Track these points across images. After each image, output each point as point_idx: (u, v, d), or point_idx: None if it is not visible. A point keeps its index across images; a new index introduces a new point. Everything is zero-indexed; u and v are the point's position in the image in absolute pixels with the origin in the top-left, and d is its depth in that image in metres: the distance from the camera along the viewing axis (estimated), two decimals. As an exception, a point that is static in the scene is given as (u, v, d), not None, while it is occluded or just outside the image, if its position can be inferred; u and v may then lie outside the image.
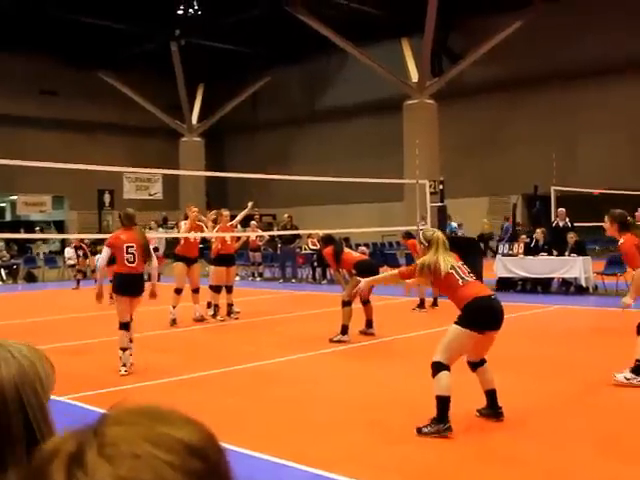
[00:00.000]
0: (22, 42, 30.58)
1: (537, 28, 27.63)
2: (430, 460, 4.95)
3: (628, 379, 6.69)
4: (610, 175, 26.03)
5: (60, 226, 35.56)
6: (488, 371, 5.74)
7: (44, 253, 29.22)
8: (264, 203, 32.99)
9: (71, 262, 20.66)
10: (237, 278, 20.66)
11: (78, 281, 19.18)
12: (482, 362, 5.73)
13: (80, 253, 19.98)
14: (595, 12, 27.32)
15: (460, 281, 5.62)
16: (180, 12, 29.64)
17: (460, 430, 5.38)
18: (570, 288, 15.04)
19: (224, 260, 12.21)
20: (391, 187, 25.03)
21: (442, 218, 16.27)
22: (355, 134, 34.37)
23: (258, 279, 20.70)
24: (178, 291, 11.57)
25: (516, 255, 15.40)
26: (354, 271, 9.88)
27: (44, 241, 33.01)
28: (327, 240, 10.56)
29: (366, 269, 9.94)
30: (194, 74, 34.80)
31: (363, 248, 22.54)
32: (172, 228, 31.18)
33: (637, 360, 6.71)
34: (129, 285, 7.86)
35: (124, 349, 7.81)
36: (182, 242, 11.89)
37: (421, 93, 27.94)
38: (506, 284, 15.32)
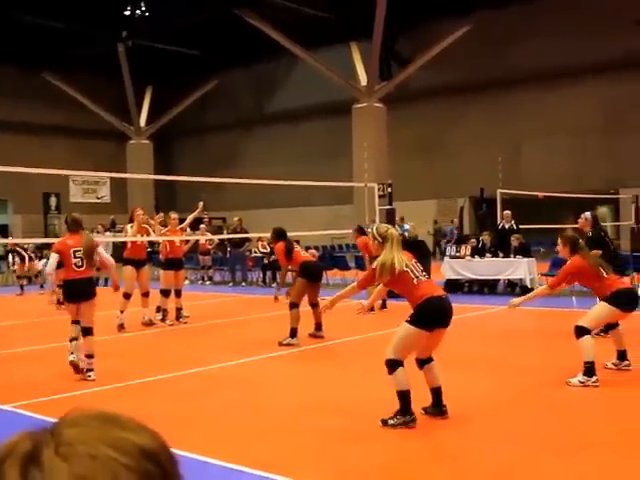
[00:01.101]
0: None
1: (483, 34, 28.13)
2: (379, 460, 5.01)
3: (582, 382, 6.87)
4: (552, 178, 26.63)
5: (4, 230, 34.80)
6: (435, 369, 5.85)
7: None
8: (214, 206, 32.84)
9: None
10: (186, 282, 20.57)
11: (22, 286, 18.82)
12: (429, 360, 5.85)
13: (17, 259, 19.55)
14: (536, 20, 27.96)
15: (415, 280, 5.71)
16: (127, 13, 29.30)
17: (408, 428, 5.46)
18: (516, 289, 15.34)
19: (172, 264, 12.16)
20: (341, 190, 25.20)
21: (391, 221, 16.39)
22: (305, 137, 34.48)
23: (208, 283, 20.61)
24: (127, 296, 11.37)
25: (463, 257, 15.64)
26: (298, 272, 9.94)
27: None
28: (279, 235, 10.28)
29: (311, 272, 10.01)
30: (142, 76, 34.42)
31: (313, 251, 22.62)
32: (120, 232, 30.82)
33: (585, 362, 6.92)
34: (77, 291, 7.77)
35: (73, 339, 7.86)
36: (129, 245, 11.76)
37: (370, 97, 28.14)
38: (453, 286, 15.55)
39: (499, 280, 15.63)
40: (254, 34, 28.58)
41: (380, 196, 16.26)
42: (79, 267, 7.73)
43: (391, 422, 5.52)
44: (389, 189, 16.29)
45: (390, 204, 16.64)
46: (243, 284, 19.67)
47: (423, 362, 5.83)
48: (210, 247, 20.88)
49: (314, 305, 10.09)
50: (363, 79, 28.90)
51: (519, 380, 7.30)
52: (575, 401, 6.47)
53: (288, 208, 31.49)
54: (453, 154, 30.56)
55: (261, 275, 19.93)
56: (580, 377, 6.90)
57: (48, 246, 19.16)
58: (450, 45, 27.94)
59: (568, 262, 7.38)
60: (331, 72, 28.88)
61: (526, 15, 28.16)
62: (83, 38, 30.34)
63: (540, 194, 20.40)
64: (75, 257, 7.74)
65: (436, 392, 5.84)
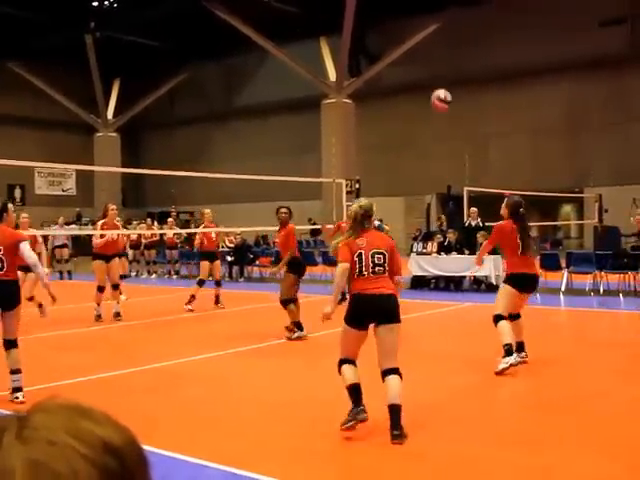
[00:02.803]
0: None
1: (452, 31, 28.34)
2: (334, 454, 5.08)
3: (508, 362, 7.18)
4: (517, 176, 26.94)
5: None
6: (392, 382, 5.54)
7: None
8: (183, 200, 32.74)
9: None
10: (152, 276, 20.48)
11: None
12: (389, 371, 5.55)
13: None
14: (505, 19, 28.23)
15: (356, 274, 5.39)
16: (95, 4, 29.00)
17: (362, 426, 5.48)
18: (481, 286, 15.53)
19: (208, 255, 12.99)
20: (310, 185, 25.21)
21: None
22: (274, 132, 34.44)
23: (175, 277, 20.52)
24: (100, 289, 11.65)
25: (430, 254, 15.78)
26: (288, 267, 9.67)
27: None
28: (290, 216, 9.99)
29: (300, 266, 9.87)
30: (110, 68, 34.11)
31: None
32: (86, 225, 30.54)
33: (504, 345, 7.28)
34: None
35: None
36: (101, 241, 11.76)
37: (339, 92, 28.22)
38: (420, 282, 15.70)
39: (465, 277, 15.80)
40: (224, 28, 28.48)
41: (348, 192, 16.36)
42: None
43: (346, 424, 5.30)
44: (357, 185, 16.39)
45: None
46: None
47: (384, 373, 5.31)
48: (177, 241, 20.82)
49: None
50: (332, 75, 28.98)
51: (470, 374, 7.40)
52: (532, 392, 6.61)
53: (257, 203, 31.42)
54: (421, 151, 30.76)
55: (227, 270, 19.87)
56: (505, 359, 7.20)
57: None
58: (420, 42, 28.11)
59: (501, 222, 7.77)
60: (300, 67, 28.90)
61: (494, 14, 28.40)
62: (50, 28, 29.96)
63: (506, 192, 20.60)
64: None
65: (392, 410, 5.22)
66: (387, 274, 5.44)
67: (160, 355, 8.63)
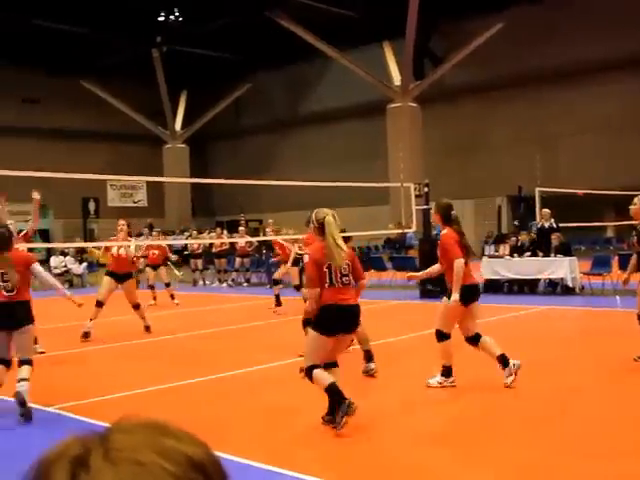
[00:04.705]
0: (3, 51, 30.40)
1: (518, 30, 27.81)
2: (419, 465, 4.93)
3: (440, 382, 6.84)
4: (592, 175, 26.19)
5: (45, 235, 35.32)
6: (337, 374, 5.75)
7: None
8: (251, 209, 33.00)
9: (57, 271, 20.52)
10: (223, 285, 20.63)
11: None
12: (334, 364, 5.83)
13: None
14: (568, 16, 27.54)
15: (327, 284, 5.60)
16: (161, 19, 29.57)
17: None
18: (557, 288, 15.09)
19: (298, 262, 12.11)
20: (377, 190, 25.07)
21: (427, 220, 16.24)
22: (339, 138, 34.41)
23: (245, 285, 20.62)
24: (99, 304, 10.89)
25: (502, 257, 15.43)
26: None
27: (31, 250, 32.74)
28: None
29: None
30: (177, 81, 34.75)
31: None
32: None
33: (443, 366, 6.88)
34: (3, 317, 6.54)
35: None
36: (112, 260, 11.39)
37: (404, 96, 28.02)
38: (493, 286, 15.35)
39: (540, 280, 15.37)
40: (286, 36, 28.64)
41: (417, 196, 16.12)
42: (9, 291, 6.56)
43: (338, 421, 5.37)
44: (426, 189, 16.13)
45: (427, 204, 16.46)
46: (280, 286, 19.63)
47: (328, 365, 5.71)
48: (249, 249, 20.90)
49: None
50: (397, 79, 28.80)
51: (556, 382, 7.13)
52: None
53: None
54: (490, 152, 30.24)
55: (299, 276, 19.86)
56: (438, 378, 6.87)
57: (87, 250, 19.42)
58: (484, 42, 27.67)
59: (444, 232, 6.89)
60: (364, 72, 28.83)
61: (558, 11, 27.73)
62: (118, 45, 30.75)
63: (580, 192, 20.06)
64: (3, 280, 6.59)
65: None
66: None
67: (235, 363, 8.61)
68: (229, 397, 7.05)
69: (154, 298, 15.83)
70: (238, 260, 20.64)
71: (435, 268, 7.18)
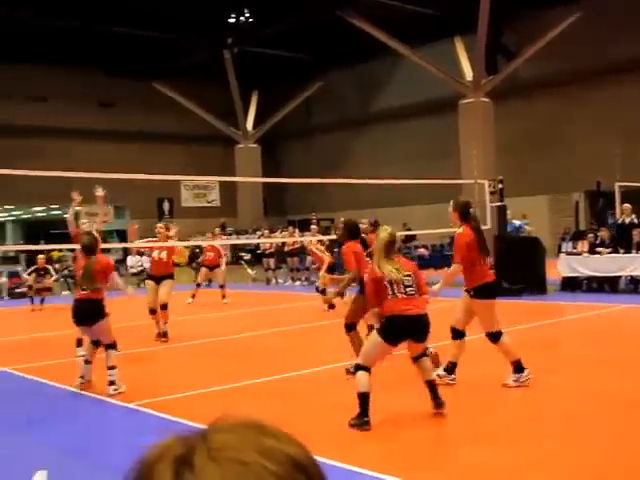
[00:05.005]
0: (79, 57, 31.29)
1: (593, 21, 26.98)
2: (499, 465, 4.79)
3: (440, 376, 6.81)
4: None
5: (122, 235, 36.22)
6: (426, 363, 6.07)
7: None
8: (322, 208, 33.05)
9: (133, 270, 21.00)
10: (297, 283, 20.70)
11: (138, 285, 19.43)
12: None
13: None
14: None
15: (390, 295, 5.81)
16: (232, 20, 29.90)
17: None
18: (639, 286, 14.58)
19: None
20: (449, 187, 24.69)
21: (502, 218, 15.94)
22: (410, 135, 34.11)
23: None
24: (151, 311, 11.14)
25: (580, 254, 15.00)
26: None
27: (107, 250, 33.64)
28: (352, 231, 8.34)
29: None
30: (248, 81, 35.10)
31: (422, 250, 22.37)
32: (230, 235, 31.51)
33: (449, 362, 6.94)
34: (79, 314, 7.59)
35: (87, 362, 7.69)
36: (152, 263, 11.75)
37: (476, 92, 27.57)
38: (571, 284, 14.93)
39: (620, 277, 14.86)
40: (356, 34, 28.54)
41: (491, 193, 15.83)
42: (83, 289, 7.59)
43: (352, 423, 5.67)
44: (500, 185, 15.83)
45: (501, 201, 16.16)
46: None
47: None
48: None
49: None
50: (469, 74, 28.36)
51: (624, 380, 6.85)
52: None
53: (396, 207, 31.23)
54: (565, 147, 29.44)
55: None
56: (440, 371, 6.91)
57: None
58: (558, 34, 26.96)
59: (460, 231, 6.81)
60: (436, 68, 28.50)
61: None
62: (190, 47, 31.23)
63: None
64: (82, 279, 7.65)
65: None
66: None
67: (303, 362, 8.60)
68: (298, 396, 7.04)
69: (193, 296, 16.12)
70: (309, 259, 20.67)
71: (450, 273, 7.03)
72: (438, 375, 6.75)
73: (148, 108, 35.05)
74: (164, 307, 11.04)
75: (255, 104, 37.56)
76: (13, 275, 20.71)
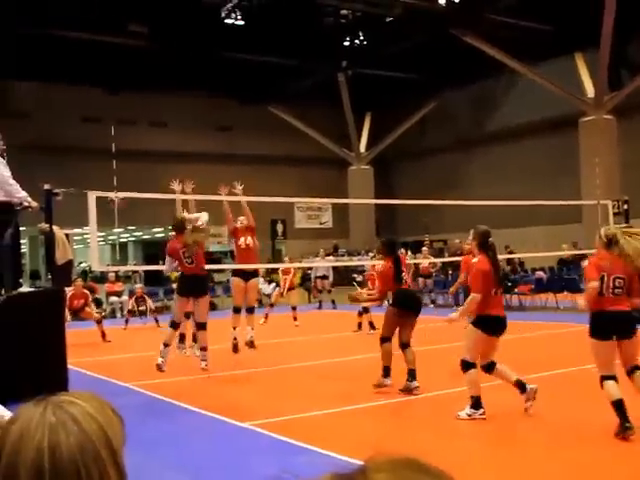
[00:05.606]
0: (200, 83, 32.29)
1: None
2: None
3: (469, 415, 6.60)
4: None
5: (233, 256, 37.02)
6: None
7: (221, 282, 30.41)
8: (435, 229, 32.67)
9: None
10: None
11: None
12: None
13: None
14: None
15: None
16: (346, 44, 30.18)
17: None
18: None
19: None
20: (566, 208, 23.85)
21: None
22: (525, 155, 33.20)
23: (431, 306, 20.30)
24: (235, 309, 10.38)
25: None
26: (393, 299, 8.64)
27: (221, 271, 34.42)
28: (391, 247, 8.67)
29: (407, 300, 8.66)
30: (361, 103, 35.27)
31: (540, 273, 21.62)
32: (342, 256, 31.53)
33: (472, 397, 6.67)
34: (189, 286, 9.12)
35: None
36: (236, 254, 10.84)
37: (598, 109, 26.58)
38: None
39: None
40: (471, 53, 28.17)
41: (615, 214, 15.11)
42: (190, 264, 8.79)
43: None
44: (625, 206, 15.09)
45: (627, 222, 15.38)
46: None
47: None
48: (432, 270, 20.64)
49: (405, 346, 8.38)
50: (590, 91, 27.42)
51: None
52: None
53: (511, 229, 30.44)
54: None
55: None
56: (467, 410, 6.62)
57: (275, 271, 20.03)
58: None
59: (476, 260, 6.83)
60: (554, 85, 27.70)
61: None
62: (305, 71, 31.69)
63: None
64: (185, 256, 8.86)
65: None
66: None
67: (422, 385, 8.40)
68: (414, 418, 6.87)
69: (265, 317, 16.50)
70: (421, 280, 20.41)
71: (469, 302, 6.77)
72: (467, 414, 6.67)
73: (263, 131, 35.76)
74: (251, 311, 10.43)
75: (368, 126, 37.69)
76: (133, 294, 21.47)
